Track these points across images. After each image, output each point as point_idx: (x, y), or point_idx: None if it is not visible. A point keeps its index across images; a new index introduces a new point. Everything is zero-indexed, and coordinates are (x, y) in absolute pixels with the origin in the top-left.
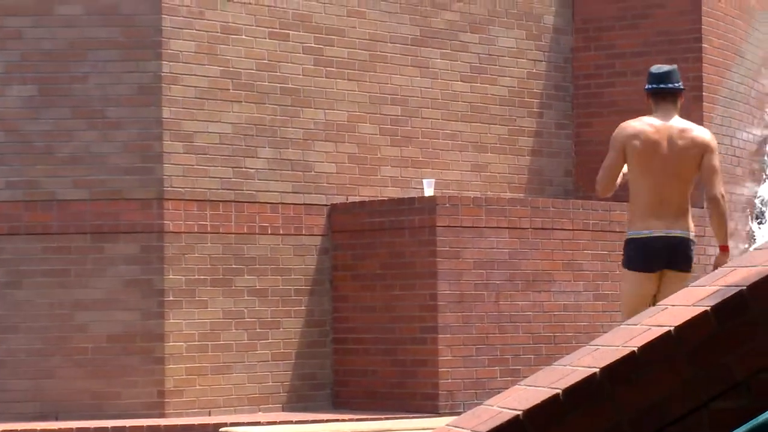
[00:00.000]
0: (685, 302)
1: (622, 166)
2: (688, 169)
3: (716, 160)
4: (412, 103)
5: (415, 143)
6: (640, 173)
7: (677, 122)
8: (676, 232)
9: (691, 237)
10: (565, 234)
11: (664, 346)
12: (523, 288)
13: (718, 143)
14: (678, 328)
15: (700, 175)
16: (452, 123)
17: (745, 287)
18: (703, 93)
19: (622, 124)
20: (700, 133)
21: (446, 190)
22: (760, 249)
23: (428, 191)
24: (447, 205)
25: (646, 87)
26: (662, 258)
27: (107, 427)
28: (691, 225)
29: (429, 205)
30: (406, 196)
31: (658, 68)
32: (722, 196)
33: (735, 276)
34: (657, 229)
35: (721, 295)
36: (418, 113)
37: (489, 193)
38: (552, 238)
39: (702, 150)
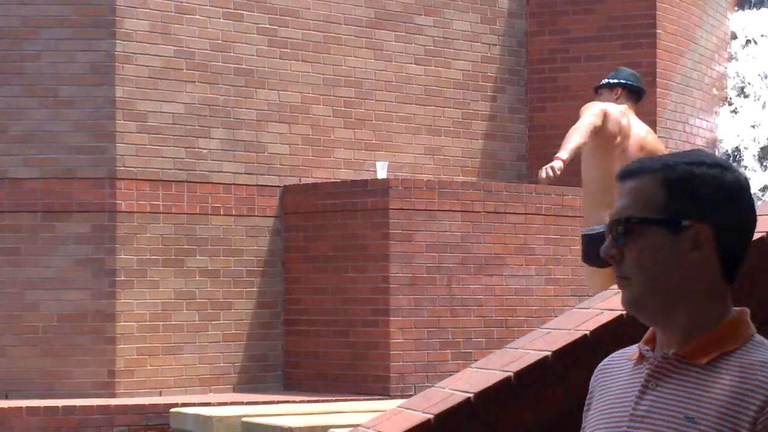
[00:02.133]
0: None
1: None
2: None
3: (583, 118)
4: (366, 86)
5: (369, 126)
6: None
7: None
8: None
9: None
10: (517, 218)
11: (616, 329)
12: (475, 271)
13: (672, 129)
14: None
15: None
16: (406, 106)
17: None
18: (657, 79)
19: None
20: None
21: (399, 173)
22: None
23: (381, 174)
24: (400, 187)
25: None
26: None
27: (58, 407)
28: (586, 212)
29: (382, 187)
30: (359, 179)
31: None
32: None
33: None
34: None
35: None
36: (372, 96)
37: (442, 176)
38: (504, 222)
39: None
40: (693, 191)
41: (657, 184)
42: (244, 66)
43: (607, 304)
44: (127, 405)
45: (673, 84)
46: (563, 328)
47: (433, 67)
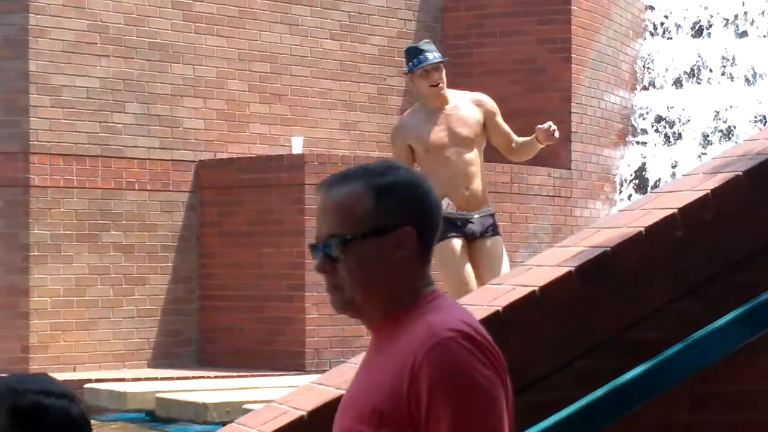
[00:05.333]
0: (550, 262)
1: None
2: None
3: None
4: (282, 61)
5: (284, 101)
6: None
7: None
8: None
9: None
10: None
11: (528, 306)
12: None
13: (587, 105)
14: (542, 288)
15: None
16: (322, 81)
17: (609, 248)
18: (572, 55)
19: None
20: None
21: (315, 148)
22: (625, 211)
23: (297, 149)
24: (315, 163)
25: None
26: None
27: None
28: None
29: (297, 162)
30: (274, 154)
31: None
32: None
33: (599, 237)
34: None
35: (585, 255)
36: (288, 71)
37: (358, 151)
38: None
39: None
40: None
41: None
42: (159, 40)
43: (519, 280)
44: None
45: (588, 60)
46: (476, 304)
47: (348, 42)
